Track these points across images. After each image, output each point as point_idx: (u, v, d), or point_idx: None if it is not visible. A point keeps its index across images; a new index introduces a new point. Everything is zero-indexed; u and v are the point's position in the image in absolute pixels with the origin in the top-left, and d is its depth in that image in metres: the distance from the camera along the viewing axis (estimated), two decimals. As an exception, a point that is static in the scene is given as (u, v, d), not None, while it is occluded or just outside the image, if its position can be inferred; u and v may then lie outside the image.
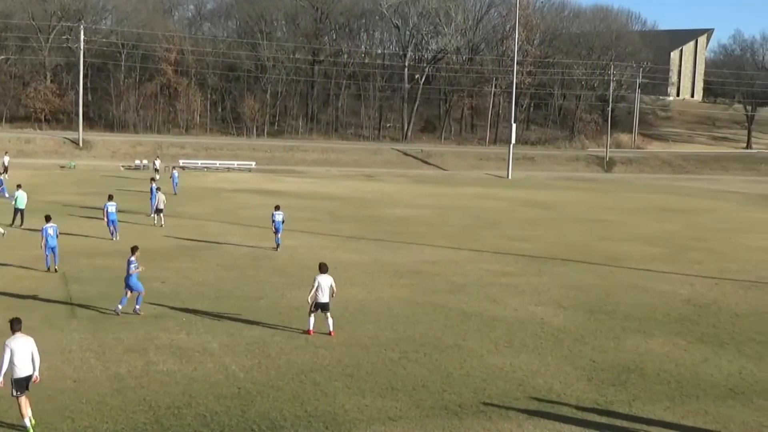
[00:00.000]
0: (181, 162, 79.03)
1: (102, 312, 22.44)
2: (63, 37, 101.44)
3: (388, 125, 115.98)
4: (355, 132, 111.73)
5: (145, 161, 76.33)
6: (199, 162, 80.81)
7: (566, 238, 41.85)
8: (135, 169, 73.76)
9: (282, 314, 23.04)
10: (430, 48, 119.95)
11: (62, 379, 17.07)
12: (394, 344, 20.56)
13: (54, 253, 27.81)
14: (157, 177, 57.20)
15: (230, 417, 15.42)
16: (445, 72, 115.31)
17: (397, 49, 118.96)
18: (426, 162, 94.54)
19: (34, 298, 23.80)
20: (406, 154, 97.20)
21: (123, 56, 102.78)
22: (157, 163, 67.98)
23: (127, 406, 15.73)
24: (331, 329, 20.99)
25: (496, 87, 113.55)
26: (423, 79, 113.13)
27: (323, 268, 21.30)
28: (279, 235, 34.35)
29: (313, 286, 20.91)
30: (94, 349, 19.13)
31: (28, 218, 37.19)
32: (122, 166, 75.68)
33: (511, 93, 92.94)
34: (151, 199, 42.61)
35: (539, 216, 51.76)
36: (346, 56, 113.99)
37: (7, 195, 46.03)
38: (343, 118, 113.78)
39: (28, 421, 14.35)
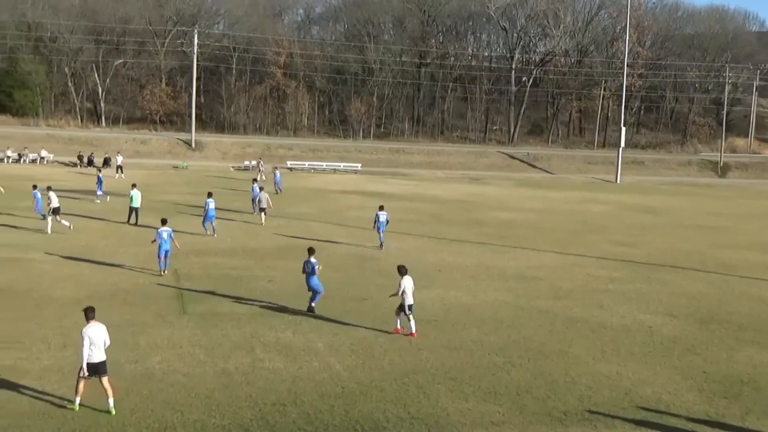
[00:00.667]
0: (289, 163, 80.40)
1: (211, 310, 23.00)
2: (178, 41, 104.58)
3: (494, 128, 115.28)
4: (461, 135, 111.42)
5: (253, 162, 77.86)
6: (306, 163, 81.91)
7: (676, 244, 40.70)
8: (244, 169, 75.28)
9: (386, 315, 23.10)
10: (537, 50, 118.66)
11: (173, 373, 17.56)
12: (498, 349, 20.39)
13: (166, 257, 27.46)
14: (263, 177, 58.43)
15: (334, 416, 15.57)
16: (553, 74, 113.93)
17: (504, 51, 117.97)
18: (532, 165, 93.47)
19: (147, 294, 24.56)
20: (512, 157, 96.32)
21: (234, 59, 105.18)
22: (260, 165, 69.06)
23: (234, 402, 16.06)
24: (413, 330, 21.12)
25: (605, 90, 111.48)
26: (530, 82, 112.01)
27: (404, 271, 21.46)
28: (382, 234, 34.68)
29: (400, 288, 21.08)
30: (204, 345, 19.61)
31: (143, 216, 38.46)
32: (232, 167, 77.37)
33: (621, 96, 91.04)
34: (252, 198, 44.14)
35: (648, 221, 50.51)
36: (452, 59, 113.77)
37: (100, 192, 47.23)
38: (448, 121, 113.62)
39: (78, 400, 15.33)
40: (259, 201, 41.40)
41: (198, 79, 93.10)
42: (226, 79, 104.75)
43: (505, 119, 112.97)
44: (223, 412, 15.50)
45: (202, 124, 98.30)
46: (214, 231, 36.17)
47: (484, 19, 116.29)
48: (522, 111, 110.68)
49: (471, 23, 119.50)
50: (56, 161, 73.68)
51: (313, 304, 23.08)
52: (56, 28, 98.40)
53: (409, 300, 21.02)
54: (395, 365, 18.73)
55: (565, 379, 18.26)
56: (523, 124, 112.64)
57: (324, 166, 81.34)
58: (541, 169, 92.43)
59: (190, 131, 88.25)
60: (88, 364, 15.15)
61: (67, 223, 36.06)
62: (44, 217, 36.61)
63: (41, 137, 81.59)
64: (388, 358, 19.19)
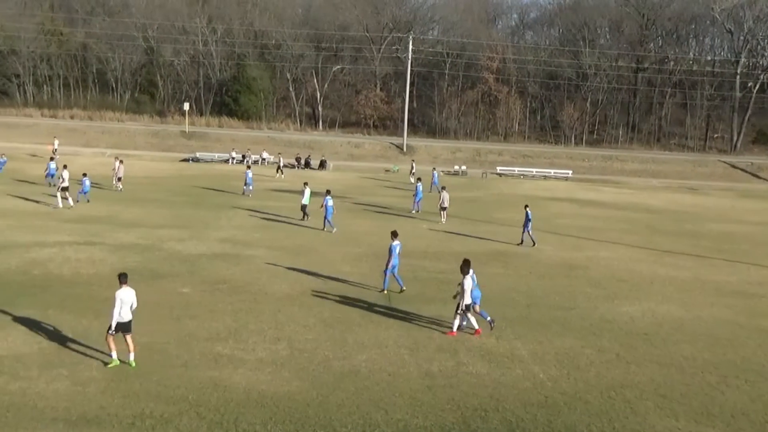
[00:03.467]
0: (498, 169, 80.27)
1: (412, 312, 23.32)
2: (393, 47, 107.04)
3: (715, 136, 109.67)
4: (679, 142, 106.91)
5: (464, 167, 78.38)
6: (516, 169, 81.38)
7: None
8: (454, 174, 75.85)
9: (593, 326, 22.59)
10: (766, 54, 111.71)
11: (378, 372, 17.94)
12: (712, 367, 19.40)
13: (393, 273, 25.85)
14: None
15: (536, 425, 15.37)
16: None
17: (728, 55, 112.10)
18: (756, 176, 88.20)
19: (357, 293, 25.24)
20: (733, 166, 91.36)
21: (447, 65, 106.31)
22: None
23: (437, 404, 16.20)
24: (477, 326, 21.23)
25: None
26: (757, 87, 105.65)
27: (466, 269, 20.98)
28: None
29: (463, 289, 20.82)
30: (408, 346, 19.91)
31: (348, 218, 39.61)
32: (441, 171, 78.13)
33: None
34: (415, 196, 46.46)
35: None
36: (672, 63, 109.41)
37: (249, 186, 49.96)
38: (666, 128, 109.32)
39: (114, 354, 17.49)
40: (441, 200, 42.77)
41: (411, 84, 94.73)
42: (438, 84, 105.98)
43: (728, 126, 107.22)
44: (425, 413, 15.67)
45: (414, 129, 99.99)
46: (332, 226, 37.80)
47: (708, 22, 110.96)
48: (746, 118, 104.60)
49: (693, 26, 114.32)
50: (275, 163, 77.25)
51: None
52: (280, 35, 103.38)
53: (468, 300, 20.77)
54: (601, 378, 18.25)
55: (787, 405, 17.12)
56: (747, 131, 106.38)
57: (534, 173, 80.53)
58: (765, 180, 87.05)
59: (402, 135, 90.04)
60: (117, 323, 17.24)
61: (70, 203, 40.90)
62: (87, 201, 42.90)
63: (263, 140, 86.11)
64: (595, 370, 18.73)
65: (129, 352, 17.43)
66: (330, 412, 15.49)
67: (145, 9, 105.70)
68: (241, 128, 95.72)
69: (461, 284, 20.96)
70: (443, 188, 44.43)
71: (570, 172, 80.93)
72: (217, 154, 77.66)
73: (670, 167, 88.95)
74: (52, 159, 43.89)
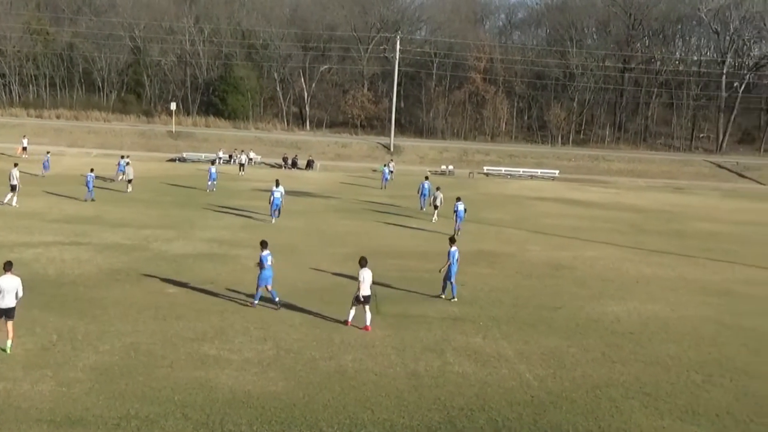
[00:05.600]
0: (485, 168, 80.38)
1: (404, 312, 23.33)
2: (380, 47, 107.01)
3: (701, 135, 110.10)
4: (665, 142, 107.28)
5: (451, 167, 78.49)
6: (503, 169, 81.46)
7: None
8: (441, 174, 75.92)
9: (579, 326, 22.67)
10: (752, 54, 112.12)
11: (365, 372, 17.95)
12: (697, 366, 19.50)
13: (450, 281, 25.47)
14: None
15: (522, 425, 15.41)
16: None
17: (714, 55, 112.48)
18: (742, 175, 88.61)
19: (343, 293, 25.17)
20: (719, 166, 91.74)
21: (434, 65, 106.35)
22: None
23: (423, 404, 16.22)
24: (368, 324, 21.15)
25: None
26: (742, 87, 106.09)
27: (363, 262, 21.30)
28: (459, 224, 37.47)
29: (359, 281, 21.04)
30: (395, 346, 19.93)
31: (337, 217, 39.60)
32: (429, 171, 78.20)
33: None
34: (420, 198, 48.06)
35: None
36: (658, 63, 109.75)
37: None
38: (652, 128, 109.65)
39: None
40: (434, 199, 44.08)
41: (399, 84, 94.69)
42: (425, 84, 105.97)
43: (713, 126, 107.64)
44: (412, 413, 15.69)
45: (401, 129, 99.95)
46: (274, 216, 40.12)
47: (694, 22, 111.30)
48: (732, 118, 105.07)
49: (680, 26, 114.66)
50: (263, 162, 77.24)
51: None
52: (268, 35, 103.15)
53: (365, 291, 20.93)
54: (587, 377, 18.31)
55: (771, 403, 17.23)
56: (733, 131, 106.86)
57: (521, 172, 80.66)
58: (751, 179, 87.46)
59: (389, 135, 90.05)
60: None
61: (14, 203, 40.61)
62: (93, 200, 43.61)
63: (250, 140, 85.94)
64: (580, 369, 18.79)
65: (7, 338, 17.91)
66: (316, 412, 15.49)
67: (132, 8, 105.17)
68: (228, 128, 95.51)
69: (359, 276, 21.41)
70: (438, 188, 45.30)
71: (557, 171, 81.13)
72: (204, 154, 77.47)
73: (657, 167, 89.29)
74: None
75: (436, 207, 43.70)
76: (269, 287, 22.89)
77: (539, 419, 15.69)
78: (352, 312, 21.44)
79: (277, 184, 41.12)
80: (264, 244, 23.41)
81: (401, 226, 40.95)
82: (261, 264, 22.97)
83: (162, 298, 23.49)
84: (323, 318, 22.01)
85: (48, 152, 58.43)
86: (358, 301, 21.19)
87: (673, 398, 17.23)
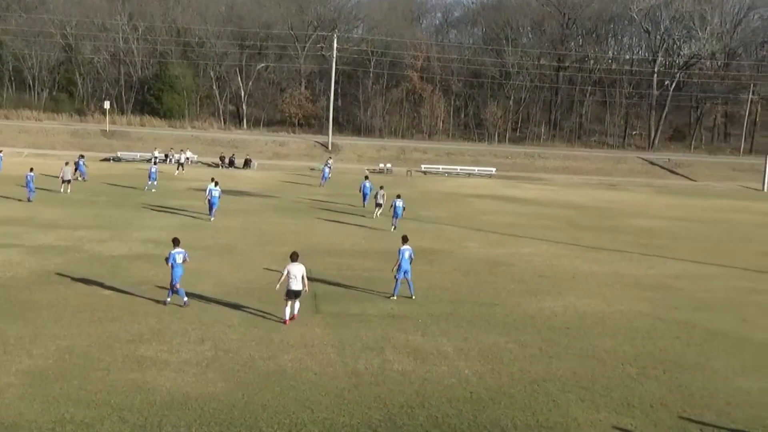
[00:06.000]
0: (423, 167, 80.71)
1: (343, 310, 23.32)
2: (317, 45, 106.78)
3: (633, 133, 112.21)
4: (599, 140, 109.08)
5: (389, 165, 78.68)
6: (441, 167, 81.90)
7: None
8: (379, 172, 76.03)
9: (517, 321, 22.91)
10: (682, 53, 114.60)
11: (304, 371, 17.88)
12: (632, 359, 19.86)
13: (406, 278, 25.41)
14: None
15: (461, 421, 15.52)
16: (698, 78, 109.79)
17: (646, 54, 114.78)
18: (673, 172, 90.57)
19: (281, 292, 25.06)
20: (652, 163, 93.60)
21: (372, 63, 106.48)
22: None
23: (363, 402, 16.23)
24: (295, 313, 21.63)
25: (753, 94, 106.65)
26: (673, 86, 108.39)
27: (294, 257, 21.67)
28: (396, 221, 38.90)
29: (282, 275, 21.44)
30: (335, 345, 19.90)
31: (287, 216, 39.40)
32: (367, 170, 78.27)
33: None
34: (363, 197, 48.48)
35: (798, 232, 48.10)
36: (592, 62, 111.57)
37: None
38: (586, 126, 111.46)
39: None
40: (376, 198, 44.81)
41: (336, 82, 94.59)
42: (363, 82, 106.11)
43: (645, 124, 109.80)
44: (352, 412, 15.69)
45: (339, 127, 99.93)
46: (210, 215, 40.12)
47: (626, 22, 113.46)
48: (663, 116, 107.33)
49: (612, 26, 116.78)
50: (200, 162, 76.46)
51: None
52: (203, 33, 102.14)
53: (293, 286, 21.25)
54: (525, 372, 18.51)
55: (702, 393, 17.61)
56: (665, 129, 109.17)
57: (458, 170, 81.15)
58: (682, 175, 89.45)
59: (327, 134, 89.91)
60: None
61: None
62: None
63: (187, 139, 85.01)
64: (518, 365, 18.99)
65: None
66: (256, 412, 15.39)
67: (63, 5, 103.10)
68: (164, 127, 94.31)
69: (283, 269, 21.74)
70: (381, 187, 45.71)
71: (494, 169, 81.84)
72: (139, 154, 76.40)
73: (591, 164, 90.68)
74: None
75: (379, 205, 43.97)
76: (177, 286, 22.71)
77: (479, 415, 15.82)
78: (287, 309, 21.40)
79: (215, 183, 40.75)
80: (176, 242, 23.46)
81: (340, 223, 40.95)
82: (168, 262, 22.89)
83: (97, 299, 23.11)
84: (262, 317, 21.89)
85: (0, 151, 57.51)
86: (288, 296, 21.29)
87: (609, 391, 17.51)
